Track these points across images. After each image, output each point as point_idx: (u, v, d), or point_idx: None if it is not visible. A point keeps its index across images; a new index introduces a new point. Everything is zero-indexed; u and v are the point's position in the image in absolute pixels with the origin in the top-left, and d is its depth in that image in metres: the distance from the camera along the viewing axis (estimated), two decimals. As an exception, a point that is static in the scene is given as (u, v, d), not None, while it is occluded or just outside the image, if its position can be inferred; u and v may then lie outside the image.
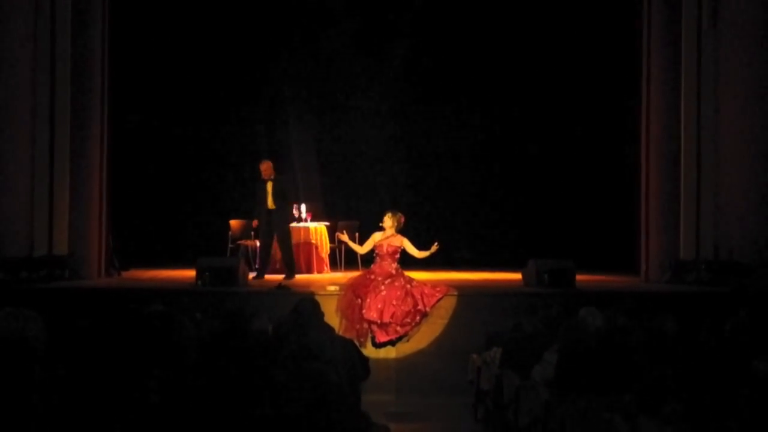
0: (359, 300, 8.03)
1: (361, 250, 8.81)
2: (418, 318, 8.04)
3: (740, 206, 9.45)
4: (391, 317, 7.92)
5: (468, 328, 7.94)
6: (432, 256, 8.32)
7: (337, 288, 8.45)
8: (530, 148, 13.08)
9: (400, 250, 8.36)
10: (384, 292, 8.03)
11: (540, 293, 8.60)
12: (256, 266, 10.25)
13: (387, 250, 8.33)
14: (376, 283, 8.14)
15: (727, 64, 9.66)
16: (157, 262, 11.55)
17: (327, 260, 11.19)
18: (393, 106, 13.36)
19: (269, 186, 9.91)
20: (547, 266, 8.98)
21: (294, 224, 10.78)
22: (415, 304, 8.03)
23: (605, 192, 12.34)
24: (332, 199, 13.11)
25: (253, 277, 9.82)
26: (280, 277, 9.78)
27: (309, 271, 10.90)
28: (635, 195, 10.62)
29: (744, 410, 3.57)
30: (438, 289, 8.27)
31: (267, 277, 9.92)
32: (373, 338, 7.98)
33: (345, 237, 8.81)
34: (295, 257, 10.38)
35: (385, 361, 7.94)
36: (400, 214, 8.45)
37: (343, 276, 9.90)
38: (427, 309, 8.08)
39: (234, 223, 11.45)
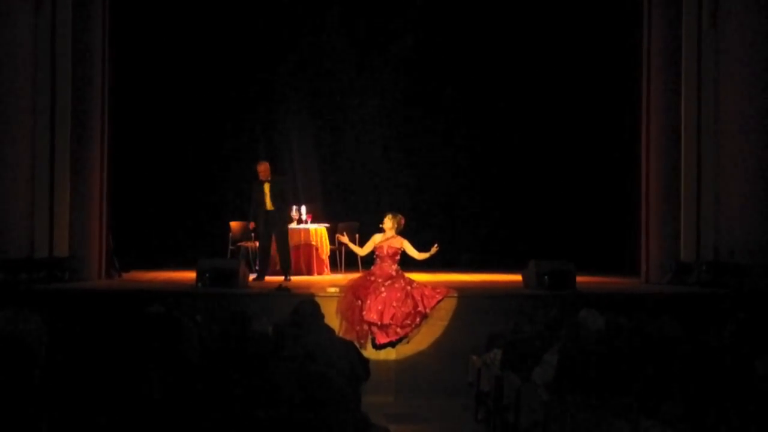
0: (359, 301, 8.03)
1: (361, 251, 8.81)
2: (418, 319, 8.04)
3: (741, 207, 9.44)
4: (392, 319, 7.92)
5: (468, 329, 7.93)
6: (432, 257, 8.31)
7: (338, 290, 8.45)
8: (530, 149, 13.06)
9: (400, 251, 8.36)
10: (384, 294, 8.03)
11: (540, 295, 8.60)
12: (257, 268, 10.25)
13: (387, 251, 8.32)
14: (376, 284, 8.13)
15: (727, 64, 9.66)
16: (158, 264, 11.54)
17: (327, 262, 11.19)
18: (393, 108, 13.36)
19: (267, 187, 9.91)
20: (548, 268, 8.97)
21: (294, 226, 10.78)
22: (416, 306, 8.03)
23: (605, 193, 12.33)
24: (332, 200, 13.11)
25: (254, 279, 9.83)
26: (281, 278, 9.78)
27: (309, 272, 10.89)
28: (635, 196, 10.62)
29: (744, 411, 3.56)
30: (438, 290, 8.26)
31: (267, 278, 9.92)
32: (373, 340, 7.98)
33: (345, 239, 8.81)
34: (295, 259, 10.36)
35: (386, 363, 7.94)
36: (400, 215, 8.45)
37: (344, 278, 9.89)
38: (428, 310, 8.08)
39: (234, 224, 11.45)
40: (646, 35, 10.38)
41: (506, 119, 13.07)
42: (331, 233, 11.01)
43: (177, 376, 3.72)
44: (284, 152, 13.16)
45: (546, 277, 8.87)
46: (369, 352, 7.66)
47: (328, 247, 11.15)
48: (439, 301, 8.16)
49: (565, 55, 12.69)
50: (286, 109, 13.31)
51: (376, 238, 8.46)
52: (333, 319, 7.69)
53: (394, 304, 7.98)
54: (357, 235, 10.60)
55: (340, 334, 7.45)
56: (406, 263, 8.57)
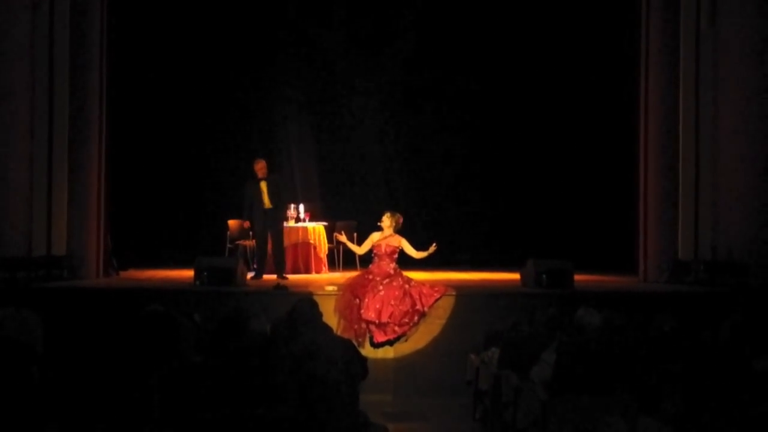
0: (357, 300, 8.03)
1: (360, 250, 8.81)
2: (416, 318, 8.04)
3: (738, 206, 9.44)
4: (390, 317, 7.93)
5: (466, 328, 7.94)
6: (430, 256, 8.32)
7: (336, 288, 8.44)
8: (529, 148, 13.06)
9: (398, 250, 8.36)
10: (382, 292, 8.03)
11: (538, 293, 8.60)
12: (254, 266, 10.25)
13: (385, 250, 8.33)
14: (374, 283, 8.14)
15: (726, 65, 9.66)
16: (156, 262, 11.54)
17: (325, 260, 11.18)
18: (391, 106, 13.36)
19: (264, 185, 9.91)
20: (546, 266, 8.97)
21: (292, 224, 10.77)
22: (414, 304, 8.03)
23: (604, 192, 12.34)
24: (330, 199, 13.11)
25: (251, 277, 9.82)
26: (279, 277, 9.81)
27: (307, 271, 10.89)
28: (634, 195, 10.62)
29: (743, 410, 3.57)
30: (436, 289, 8.27)
31: (265, 277, 9.92)
32: (371, 338, 7.98)
33: (343, 237, 8.81)
34: (293, 257, 10.34)
35: (384, 361, 7.94)
36: (398, 214, 8.46)
37: (342, 276, 9.89)
38: (426, 309, 8.08)
39: (232, 223, 11.44)
40: (645, 35, 10.37)
41: (505, 119, 13.06)
42: (329, 232, 11.00)
43: (175, 374, 3.72)
44: (282, 150, 13.16)
45: (544, 275, 8.88)
46: (367, 351, 7.65)
47: (326, 245, 11.15)
48: (437, 300, 8.16)
49: (564, 54, 12.68)
50: (283, 107, 13.30)
51: (375, 237, 8.46)
52: (331, 318, 7.69)
53: (392, 302, 7.98)
54: (355, 234, 10.59)
55: (339, 333, 7.44)
56: (405, 262, 8.57)
